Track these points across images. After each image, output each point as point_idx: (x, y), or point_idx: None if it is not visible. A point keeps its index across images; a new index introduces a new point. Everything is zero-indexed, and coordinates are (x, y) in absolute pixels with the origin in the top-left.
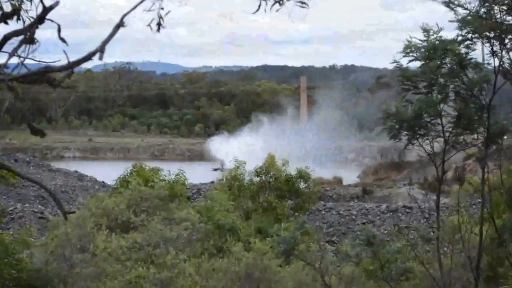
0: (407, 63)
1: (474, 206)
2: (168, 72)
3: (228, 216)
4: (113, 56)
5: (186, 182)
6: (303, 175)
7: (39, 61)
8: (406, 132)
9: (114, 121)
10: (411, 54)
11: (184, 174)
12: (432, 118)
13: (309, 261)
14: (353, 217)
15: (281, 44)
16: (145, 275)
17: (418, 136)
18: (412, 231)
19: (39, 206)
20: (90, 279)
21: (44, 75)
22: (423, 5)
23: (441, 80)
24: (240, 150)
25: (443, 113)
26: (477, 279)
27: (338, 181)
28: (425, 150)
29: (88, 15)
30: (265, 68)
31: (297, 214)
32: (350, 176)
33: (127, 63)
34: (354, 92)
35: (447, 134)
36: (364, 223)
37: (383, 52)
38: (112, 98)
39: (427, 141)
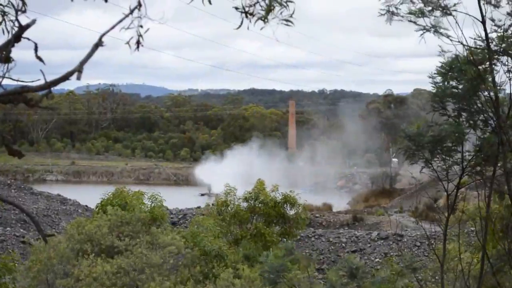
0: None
1: (467, 235)
2: (153, 95)
3: (214, 242)
4: (98, 78)
5: (167, 205)
6: (288, 200)
7: (18, 80)
8: (423, 155)
9: (98, 144)
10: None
11: (160, 196)
12: (454, 144)
13: None
14: (343, 244)
15: (270, 68)
16: None
17: (435, 160)
18: (403, 260)
19: (21, 230)
20: None
21: (20, 95)
22: (415, 33)
23: (474, 106)
24: (227, 175)
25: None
26: None
27: (328, 207)
28: (438, 176)
29: (73, 37)
30: (253, 92)
31: (285, 240)
32: (340, 203)
33: (111, 85)
34: (344, 118)
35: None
36: (354, 251)
37: (373, 79)
38: (95, 120)
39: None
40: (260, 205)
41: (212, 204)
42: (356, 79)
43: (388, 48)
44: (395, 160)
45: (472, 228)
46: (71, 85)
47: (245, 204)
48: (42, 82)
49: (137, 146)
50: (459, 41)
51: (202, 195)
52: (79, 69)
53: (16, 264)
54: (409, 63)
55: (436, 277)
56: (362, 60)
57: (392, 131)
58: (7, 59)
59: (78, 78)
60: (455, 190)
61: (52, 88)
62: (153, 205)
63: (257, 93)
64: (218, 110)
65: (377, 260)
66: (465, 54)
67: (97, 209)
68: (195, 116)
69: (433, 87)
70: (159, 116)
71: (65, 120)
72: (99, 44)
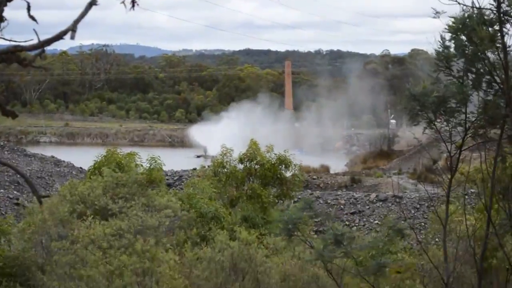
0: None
1: (467, 197)
2: (147, 56)
3: (211, 204)
4: (91, 39)
5: (163, 168)
6: (283, 161)
7: (10, 40)
8: (426, 115)
9: (91, 105)
10: (452, 29)
11: (160, 159)
12: (458, 105)
13: (312, 245)
14: (342, 206)
15: (265, 28)
16: (127, 263)
17: (438, 120)
18: (402, 222)
19: (15, 192)
20: (69, 266)
21: (13, 54)
22: None
23: (478, 67)
24: (224, 137)
25: (470, 102)
26: (481, 270)
27: (326, 169)
28: (441, 136)
29: None
30: (248, 52)
31: (282, 201)
32: (338, 165)
33: (104, 45)
34: (341, 79)
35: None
36: (352, 213)
37: (370, 39)
38: (89, 81)
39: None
40: (256, 166)
41: (208, 166)
42: (353, 39)
43: (385, 8)
44: (393, 121)
45: (473, 190)
46: (64, 45)
47: (240, 166)
48: (35, 41)
49: (131, 108)
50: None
51: (198, 156)
52: (72, 28)
53: (10, 227)
54: (406, 23)
55: (436, 239)
56: (358, 20)
57: (390, 92)
58: (0, 18)
59: (72, 38)
60: (457, 152)
61: (45, 48)
62: (151, 167)
63: (253, 53)
64: (213, 71)
65: (376, 222)
66: (463, 14)
67: (89, 171)
68: (189, 77)
69: (440, 45)
70: (154, 77)
71: (58, 81)
72: (93, 3)
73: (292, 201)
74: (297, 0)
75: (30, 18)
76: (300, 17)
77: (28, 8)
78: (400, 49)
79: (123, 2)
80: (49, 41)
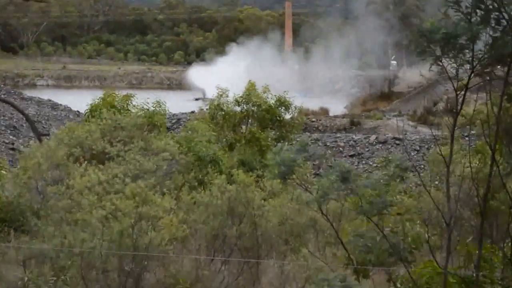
0: None
1: (466, 138)
2: None
3: (209, 147)
4: None
5: (167, 111)
6: (283, 103)
7: None
8: (433, 51)
9: (89, 47)
10: None
11: (164, 103)
12: (466, 43)
13: (307, 187)
14: (341, 149)
15: None
16: (122, 208)
17: (445, 57)
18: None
19: (10, 137)
20: (64, 211)
21: None
22: None
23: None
24: (222, 79)
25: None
26: (484, 210)
27: (325, 112)
28: (447, 74)
29: None
30: None
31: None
32: (337, 107)
33: None
34: (342, 20)
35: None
36: (352, 155)
37: None
38: (87, 23)
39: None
40: (253, 107)
41: (206, 109)
42: None
43: None
44: (394, 62)
45: (473, 132)
46: None
47: (238, 108)
48: None
49: (129, 50)
50: None
51: (197, 99)
52: None
53: (5, 171)
54: None
55: (436, 182)
56: None
57: (391, 33)
58: None
59: None
60: (463, 90)
61: None
62: (154, 110)
63: None
64: (213, 13)
65: (375, 164)
66: None
67: (86, 114)
68: (189, 18)
69: None
70: (152, 19)
71: (56, 23)
72: None
73: (286, 143)
74: None
75: None
76: None
77: None
78: None
79: None
80: None
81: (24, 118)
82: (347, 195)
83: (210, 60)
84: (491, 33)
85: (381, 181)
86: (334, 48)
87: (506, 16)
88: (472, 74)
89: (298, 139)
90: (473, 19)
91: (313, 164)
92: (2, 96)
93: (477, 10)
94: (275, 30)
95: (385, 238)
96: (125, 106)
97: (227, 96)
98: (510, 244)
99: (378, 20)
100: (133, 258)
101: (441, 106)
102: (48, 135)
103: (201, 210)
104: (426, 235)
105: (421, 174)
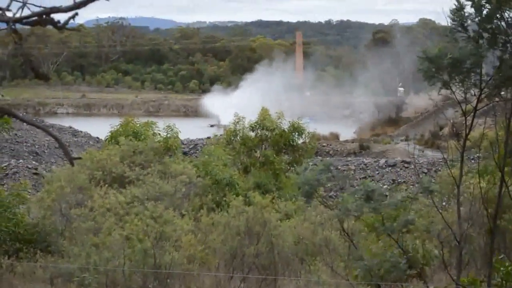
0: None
1: (473, 161)
2: (161, 28)
3: (225, 171)
4: (107, 12)
5: (179, 136)
6: (296, 128)
7: (40, 6)
8: (441, 77)
9: (108, 77)
10: None
11: (176, 127)
12: (473, 66)
13: (329, 205)
14: (352, 172)
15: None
16: (143, 229)
17: (454, 82)
18: (411, 186)
19: (33, 162)
20: (88, 233)
21: (48, 17)
22: None
23: (493, 27)
24: (236, 106)
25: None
26: (494, 229)
27: (335, 136)
28: (456, 98)
29: None
30: (260, 24)
31: (294, 168)
32: (347, 132)
33: (120, 18)
34: (351, 48)
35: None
36: (363, 178)
37: (380, 9)
38: (105, 54)
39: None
40: (267, 132)
41: (221, 135)
42: (362, 8)
43: None
44: (401, 89)
45: (479, 155)
46: (80, 19)
47: (252, 134)
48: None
49: (146, 79)
50: None
51: (212, 126)
52: None
53: (28, 194)
54: None
55: (444, 203)
56: None
57: (398, 61)
58: None
59: None
60: (471, 113)
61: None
62: (168, 135)
63: (264, 24)
64: (226, 42)
65: (385, 186)
66: None
67: (107, 140)
68: (203, 48)
69: (456, 5)
70: (168, 49)
71: (75, 53)
72: None
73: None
74: None
75: None
76: None
77: None
78: (408, 18)
79: None
80: (84, 2)
81: (57, 143)
82: (370, 212)
83: (225, 88)
84: (498, 55)
85: (407, 199)
86: (343, 75)
87: None
88: (480, 97)
89: (312, 164)
90: (480, 42)
91: (335, 184)
92: (24, 124)
93: (484, 34)
94: (286, 59)
95: (404, 255)
96: (146, 132)
97: (243, 123)
98: None
99: (385, 48)
100: (156, 276)
101: (447, 130)
102: (80, 158)
103: (220, 230)
104: (437, 252)
105: (431, 195)
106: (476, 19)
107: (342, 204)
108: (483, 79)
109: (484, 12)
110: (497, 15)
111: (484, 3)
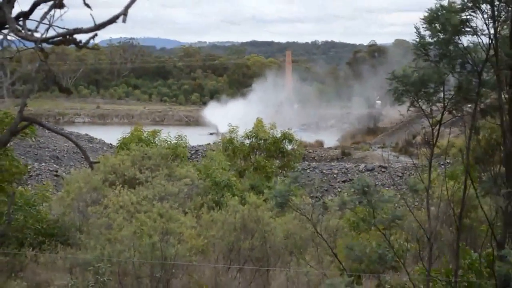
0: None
1: (442, 166)
2: (167, 47)
3: (224, 174)
4: (119, 33)
5: (188, 144)
6: (287, 137)
7: (64, 28)
8: (409, 95)
9: (119, 90)
10: (428, 20)
11: (185, 137)
12: (436, 85)
13: (302, 212)
14: (334, 175)
15: (270, 23)
16: (151, 225)
17: (420, 99)
18: (387, 188)
19: (54, 165)
20: (102, 228)
21: (71, 37)
22: None
23: (451, 51)
24: (233, 116)
25: (447, 81)
26: (460, 227)
27: (320, 144)
28: (425, 113)
29: None
30: (253, 44)
31: (284, 171)
32: (330, 140)
33: (130, 39)
34: (334, 65)
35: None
36: (344, 181)
37: (360, 31)
38: (117, 70)
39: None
40: (260, 141)
41: (218, 142)
42: (346, 31)
43: (376, 3)
44: (378, 102)
45: (448, 161)
46: (96, 39)
47: (247, 141)
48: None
49: (153, 92)
50: None
51: (211, 134)
52: (124, 13)
53: (50, 194)
54: (394, 16)
55: (416, 203)
56: (352, 14)
57: (376, 76)
58: (61, 5)
59: (124, 21)
60: (436, 126)
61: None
62: (177, 143)
63: (258, 44)
64: (224, 60)
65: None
66: (436, 6)
67: (118, 147)
68: (204, 65)
69: (417, 35)
70: (173, 66)
71: (91, 69)
72: None
73: (279, 178)
74: None
75: (85, 5)
76: (300, 11)
77: None
78: (386, 39)
79: None
80: (104, 24)
81: (79, 149)
82: (364, 206)
83: (223, 100)
84: (457, 76)
85: (397, 197)
86: (328, 90)
87: (470, 61)
88: (444, 112)
89: (295, 170)
90: (440, 65)
91: (314, 188)
92: (46, 131)
93: (443, 58)
94: (277, 75)
95: (390, 248)
96: (152, 139)
97: (237, 132)
98: (488, 253)
99: (365, 66)
100: (162, 266)
101: (419, 139)
102: (98, 162)
103: (219, 226)
104: (409, 246)
105: (405, 197)
106: (434, 45)
107: (330, 203)
108: (446, 96)
109: (441, 38)
110: (453, 42)
111: (440, 31)
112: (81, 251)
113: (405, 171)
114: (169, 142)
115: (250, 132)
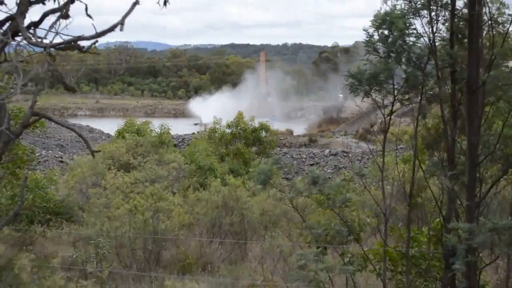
0: (372, 32)
1: (396, 151)
2: (157, 49)
3: (207, 159)
4: (115, 37)
5: (171, 132)
6: (264, 127)
7: (68, 35)
8: (363, 88)
9: (116, 87)
10: (376, 25)
11: (169, 126)
12: (386, 78)
13: (281, 189)
14: (303, 159)
15: (247, 27)
16: (143, 204)
17: (373, 91)
18: (349, 170)
19: (59, 153)
20: (101, 207)
21: (75, 43)
22: None
23: (398, 48)
24: (215, 109)
25: (395, 75)
26: (410, 204)
27: (290, 132)
28: (377, 103)
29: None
30: (232, 46)
31: (260, 157)
32: (299, 129)
33: (125, 42)
34: (302, 64)
35: (396, 92)
36: (311, 164)
37: (325, 34)
38: (114, 69)
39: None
40: (240, 131)
41: (205, 130)
42: (312, 34)
43: (337, 10)
44: (341, 95)
45: (401, 146)
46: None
47: (229, 130)
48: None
49: (145, 88)
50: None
51: (195, 124)
52: (121, 22)
53: (55, 178)
54: (354, 21)
55: (374, 184)
56: (317, 19)
57: (338, 73)
58: (67, 16)
59: (121, 30)
60: (388, 115)
61: (97, 39)
62: (162, 131)
63: (236, 46)
64: (207, 60)
65: (329, 171)
66: (382, 13)
67: (116, 136)
68: (189, 65)
69: (367, 36)
70: (162, 65)
71: (91, 69)
72: (136, 3)
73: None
74: (271, 4)
75: (87, 16)
76: (273, 17)
77: (86, 8)
78: (348, 41)
79: (158, 2)
80: (104, 32)
81: (82, 140)
82: (316, 193)
83: (206, 95)
84: (405, 68)
85: (345, 182)
86: (297, 85)
87: (413, 56)
88: (395, 102)
89: (273, 154)
90: (389, 60)
91: (284, 171)
92: (52, 123)
93: (391, 54)
94: (253, 73)
95: (345, 224)
96: (144, 129)
97: (220, 123)
98: (435, 226)
99: (329, 64)
100: (154, 240)
101: (376, 127)
102: (99, 151)
103: (203, 204)
104: (369, 221)
105: (363, 179)
106: (382, 44)
107: (294, 187)
108: (395, 88)
109: (390, 39)
110: (400, 40)
111: (388, 34)
112: (83, 227)
113: (365, 156)
114: (154, 131)
115: (231, 122)
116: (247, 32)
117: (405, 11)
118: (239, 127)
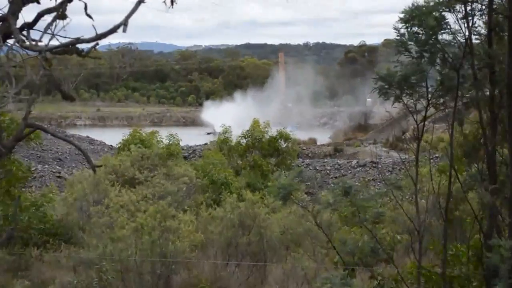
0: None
1: (431, 161)
2: (164, 51)
3: (221, 172)
4: (117, 38)
5: (180, 143)
6: (283, 135)
7: (66, 37)
8: (394, 92)
9: (119, 93)
10: (404, 20)
11: (178, 136)
12: (418, 81)
13: (303, 205)
14: (327, 171)
15: (263, 26)
16: (150, 223)
17: (404, 95)
18: (378, 182)
19: (57, 167)
20: (104, 227)
21: (73, 47)
22: None
23: (431, 47)
24: (229, 116)
25: (429, 77)
26: (446, 220)
27: (313, 141)
28: (408, 109)
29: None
30: (247, 46)
31: (279, 169)
32: (323, 137)
33: (129, 43)
34: (326, 66)
35: (429, 95)
36: (337, 177)
37: (349, 33)
38: (116, 73)
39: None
40: (255, 141)
41: (211, 142)
42: (337, 33)
43: (361, 6)
44: (369, 100)
45: (437, 155)
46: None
47: (244, 141)
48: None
49: (151, 94)
50: None
51: (208, 133)
52: (124, 23)
53: (53, 195)
54: (382, 18)
55: (407, 197)
56: (342, 17)
57: (366, 75)
58: (63, 16)
59: (124, 31)
60: (422, 121)
61: (97, 43)
62: (170, 142)
63: (252, 47)
64: (219, 62)
65: (357, 183)
66: (411, 7)
67: (119, 148)
68: (200, 67)
69: (397, 34)
70: (170, 69)
71: (91, 73)
72: (141, 1)
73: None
74: (290, 1)
75: (87, 16)
76: (292, 15)
77: (86, 8)
78: (375, 39)
79: (164, 1)
80: (105, 34)
81: (82, 154)
82: (347, 206)
83: (218, 101)
84: (440, 70)
85: (379, 194)
86: (320, 89)
87: (450, 55)
88: (429, 107)
89: (295, 166)
90: (422, 61)
91: (306, 184)
92: (49, 134)
93: (424, 54)
94: (271, 76)
95: (377, 243)
96: (151, 140)
97: (231, 132)
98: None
99: (356, 65)
100: (162, 263)
101: (408, 135)
102: (101, 166)
103: (217, 223)
104: (399, 238)
105: (393, 192)
106: (414, 43)
107: (323, 199)
108: (428, 91)
109: (420, 37)
110: (432, 38)
111: (419, 31)
112: (84, 249)
113: (395, 166)
114: (162, 142)
115: (246, 132)
116: (264, 31)
117: (438, 4)
118: (254, 137)
